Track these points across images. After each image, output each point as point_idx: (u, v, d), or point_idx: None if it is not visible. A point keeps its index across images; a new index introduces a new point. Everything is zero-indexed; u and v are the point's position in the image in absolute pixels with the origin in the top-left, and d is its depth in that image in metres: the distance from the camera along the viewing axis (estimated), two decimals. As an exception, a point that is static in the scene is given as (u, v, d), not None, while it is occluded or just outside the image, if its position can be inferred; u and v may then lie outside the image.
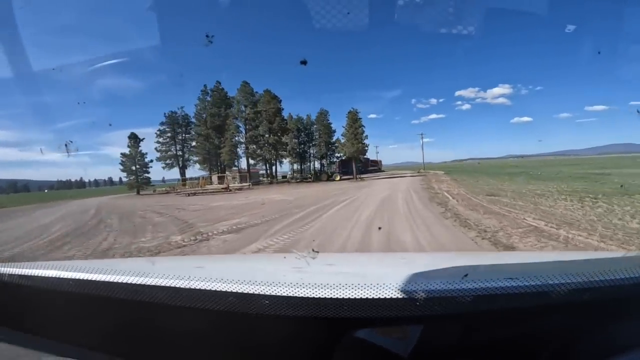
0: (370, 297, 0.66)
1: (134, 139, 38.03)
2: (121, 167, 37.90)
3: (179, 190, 29.91)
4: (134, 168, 38.12)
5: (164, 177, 42.52)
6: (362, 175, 40.79)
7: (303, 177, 40.30)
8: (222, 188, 28.64)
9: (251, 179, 41.29)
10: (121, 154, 37.68)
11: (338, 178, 36.66)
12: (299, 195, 18.26)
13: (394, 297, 0.65)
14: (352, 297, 0.66)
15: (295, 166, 49.96)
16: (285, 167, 50.50)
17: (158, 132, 44.21)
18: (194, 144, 44.44)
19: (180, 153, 44.94)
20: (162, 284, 0.74)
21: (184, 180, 40.89)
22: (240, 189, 30.15)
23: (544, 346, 0.67)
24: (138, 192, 37.54)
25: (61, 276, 0.83)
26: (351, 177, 36.64)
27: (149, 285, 0.75)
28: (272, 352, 0.73)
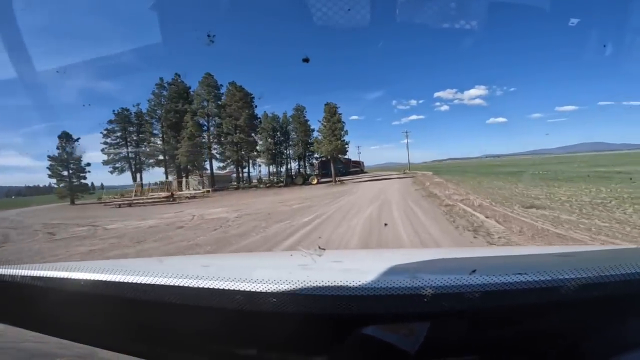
0: (377, 294, 0.65)
1: (66, 139, 31.37)
2: (49, 173, 31.10)
3: (107, 201, 23.28)
4: (65, 173, 31.40)
5: (139, 182, 35.56)
6: (343, 178, 36.12)
7: (275, 181, 34.62)
8: (164, 197, 22.63)
9: (215, 183, 35.64)
10: (48, 157, 30.92)
11: (315, 181, 31.59)
12: (251, 209, 12.91)
13: (400, 293, 0.65)
14: (359, 294, 0.66)
15: (272, 168, 44.77)
16: (263, 169, 45.31)
17: (105, 132, 37.70)
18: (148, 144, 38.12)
19: (132, 155, 38.54)
20: (171, 283, 0.74)
21: (140, 186, 34.41)
22: (193, 197, 24.36)
23: (554, 343, 0.66)
24: (72, 202, 30.87)
25: (72, 277, 0.83)
26: (331, 179, 31.84)
27: (157, 285, 0.75)
28: (280, 349, 0.72)
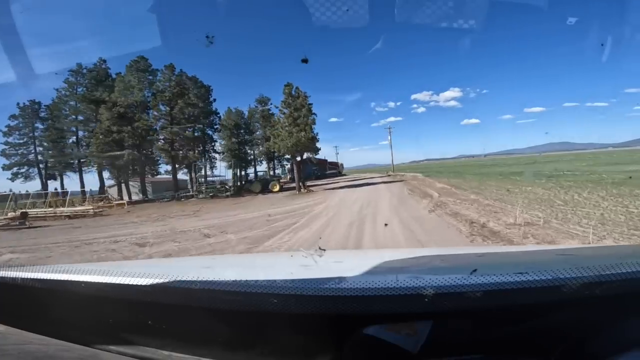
0: (379, 294, 0.65)
1: None
2: None
3: None
4: None
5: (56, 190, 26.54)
6: (316, 182, 29.20)
7: (223, 189, 26.08)
8: (9, 219, 14.10)
9: (156, 191, 27.38)
10: None
11: (276, 188, 24.12)
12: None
13: (402, 293, 0.64)
14: (360, 295, 0.65)
15: (247, 171, 37.07)
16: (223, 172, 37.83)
17: (6, 130, 28.70)
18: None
19: (41, 158, 29.57)
20: (172, 285, 0.74)
21: (59, 194, 25.24)
22: (82, 215, 16.10)
23: (557, 342, 0.66)
24: None
25: (73, 279, 0.82)
26: (308, 182, 24.59)
27: (159, 286, 0.75)
28: (281, 349, 0.72)
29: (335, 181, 31.78)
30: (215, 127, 34.92)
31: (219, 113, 35.47)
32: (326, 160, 59.09)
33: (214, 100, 33.28)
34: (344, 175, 55.21)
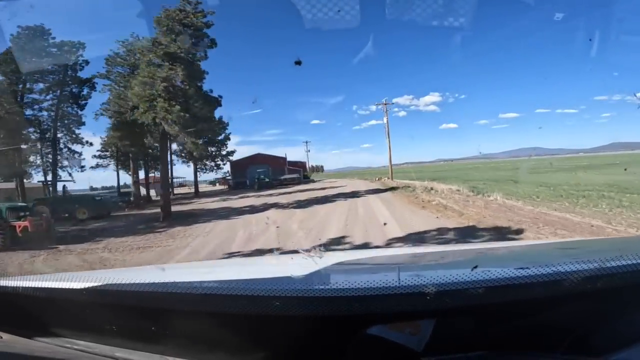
0: (380, 293, 0.64)
1: None
2: None
3: None
4: None
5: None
6: (190, 207, 16.00)
7: None
8: None
9: None
10: None
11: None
12: None
13: (404, 292, 0.64)
14: (362, 295, 0.65)
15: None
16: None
17: None
18: None
19: None
20: (175, 290, 0.74)
21: None
22: None
23: (561, 336, 0.65)
24: None
25: (77, 287, 0.81)
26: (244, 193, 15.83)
27: (162, 292, 0.75)
28: (284, 352, 0.72)
29: (286, 191, 18.35)
30: (80, 102, 19.68)
31: (93, 81, 19.88)
32: (284, 158, 43.88)
33: (86, 63, 18.38)
34: (313, 180, 40.48)
